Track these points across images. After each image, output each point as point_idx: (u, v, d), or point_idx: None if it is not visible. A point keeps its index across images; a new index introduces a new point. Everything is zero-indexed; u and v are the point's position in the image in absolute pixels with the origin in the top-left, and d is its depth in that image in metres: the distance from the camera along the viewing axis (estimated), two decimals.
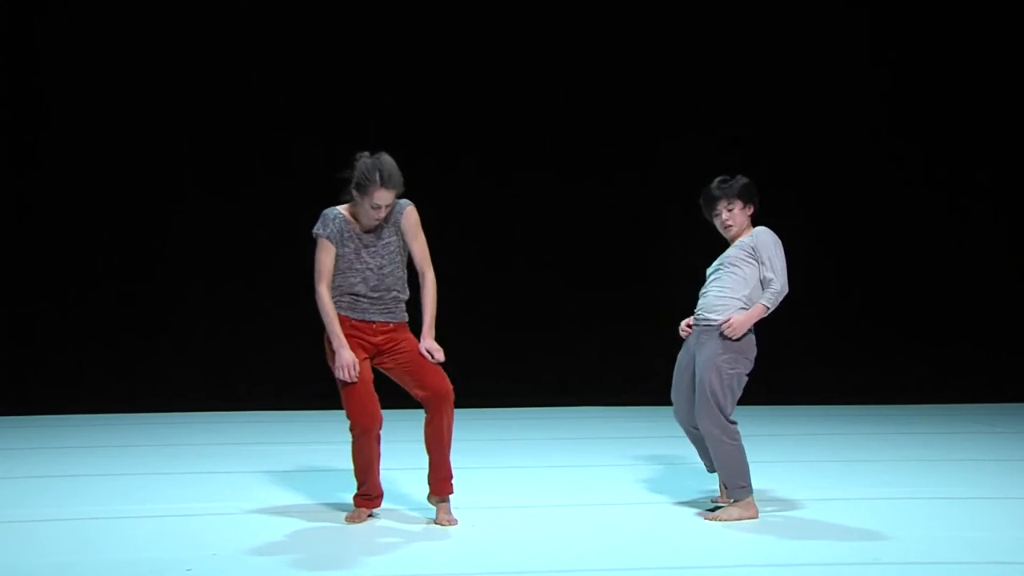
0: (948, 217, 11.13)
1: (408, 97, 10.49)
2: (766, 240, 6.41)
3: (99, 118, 10.22)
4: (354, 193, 6.01)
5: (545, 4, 10.66)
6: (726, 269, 6.37)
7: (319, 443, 8.47)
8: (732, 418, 6.28)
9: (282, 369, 10.29)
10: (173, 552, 5.59)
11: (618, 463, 7.79)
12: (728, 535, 6.01)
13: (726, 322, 6.24)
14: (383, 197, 5.94)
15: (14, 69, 10.18)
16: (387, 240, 6.09)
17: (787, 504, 6.66)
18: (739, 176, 6.48)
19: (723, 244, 6.48)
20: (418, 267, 6.16)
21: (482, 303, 10.55)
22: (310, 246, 10.25)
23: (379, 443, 6.19)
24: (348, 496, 6.38)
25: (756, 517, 6.25)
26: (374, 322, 6.13)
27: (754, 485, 6.42)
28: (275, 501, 6.65)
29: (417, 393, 6.16)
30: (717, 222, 6.45)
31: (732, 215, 6.41)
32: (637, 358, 10.33)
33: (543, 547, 5.78)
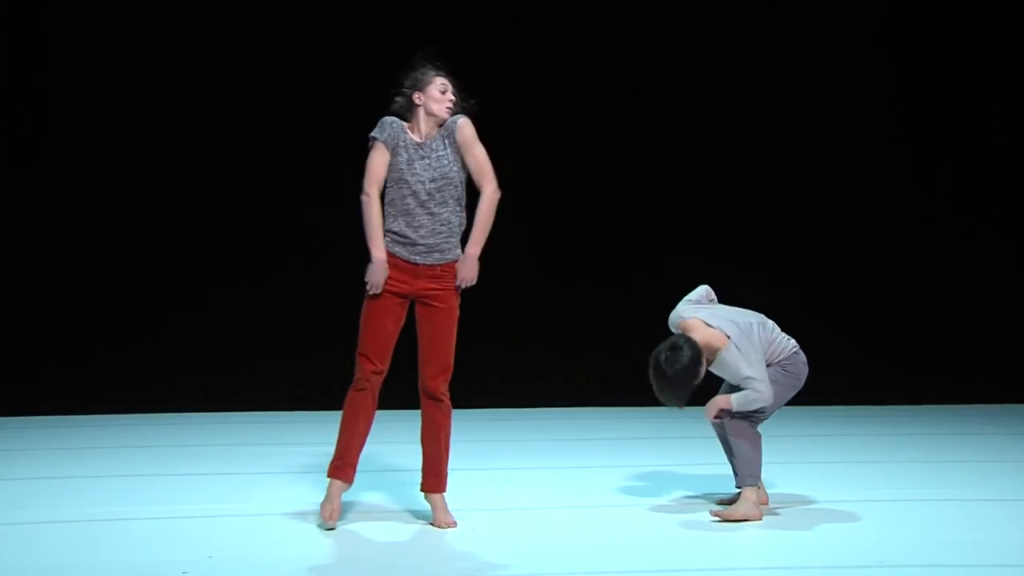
0: (951, 218, 11.09)
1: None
2: (730, 368, 6.29)
3: (98, 116, 10.19)
4: (414, 96, 5.93)
5: (545, 4, 10.63)
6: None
7: (317, 444, 8.41)
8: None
9: (281, 370, 10.27)
10: (169, 554, 5.57)
11: (619, 464, 7.77)
12: (731, 537, 6.00)
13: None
14: (445, 82, 5.92)
15: (12, 69, 10.17)
16: (440, 153, 5.94)
17: (789, 506, 6.64)
18: (671, 363, 6.19)
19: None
20: (476, 181, 5.99)
21: (483, 303, 10.52)
22: (315, 242, 10.31)
23: (375, 405, 6.03)
24: (346, 498, 6.36)
25: (760, 518, 6.23)
26: (419, 264, 5.98)
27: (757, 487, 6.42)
28: (272, 503, 6.63)
29: (420, 369, 6.04)
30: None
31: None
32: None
33: (543, 549, 5.76)
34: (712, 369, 6.26)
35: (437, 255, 5.99)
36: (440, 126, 6.01)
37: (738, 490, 6.33)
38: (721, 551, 5.77)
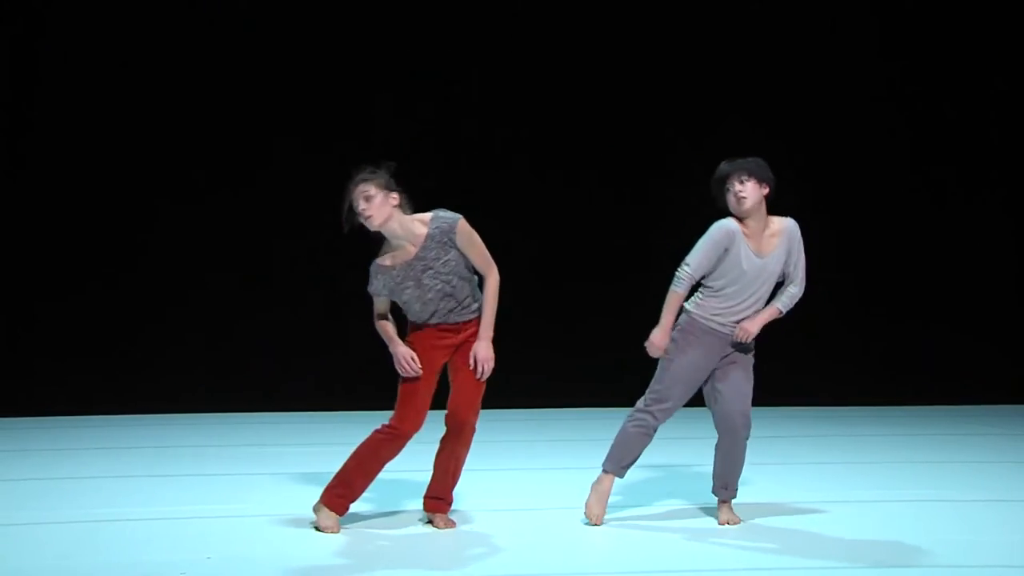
0: (951, 218, 11.09)
1: (402, 98, 10.46)
2: (799, 237, 6.28)
3: (100, 116, 10.20)
4: (356, 222, 5.83)
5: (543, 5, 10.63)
6: (769, 283, 6.19)
7: (316, 445, 8.45)
8: None
9: (280, 370, 10.27)
10: (168, 555, 5.57)
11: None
12: (730, 537, 5.99)
13: (741, 330, 6.13)
14: (359, 192, 5.80)
15: (11, 72, 10.18)
16: (444, 259, 5.88)
17: (787, 507, 6.63)
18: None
19: None
20: (480, 273, 6.01)
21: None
22: (315, 243, 10.30)
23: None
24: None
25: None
26: (458, 322, 6.00)
27: (754, 487, 6.42)
28: (271, 504, 6.63)
29: (449, 401, 6.10)
30: (730, 198, 6.12)
31: (745, 187, 6.10)
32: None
33: (543, 549, 5.76)
34: (774, 248, 6.17)
35: (469, 313, 6.03)
36: (421, 227, 5.89)
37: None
38: (719, 552, 5.77)
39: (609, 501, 6.25)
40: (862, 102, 10.99)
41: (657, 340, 6.10)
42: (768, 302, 6.22)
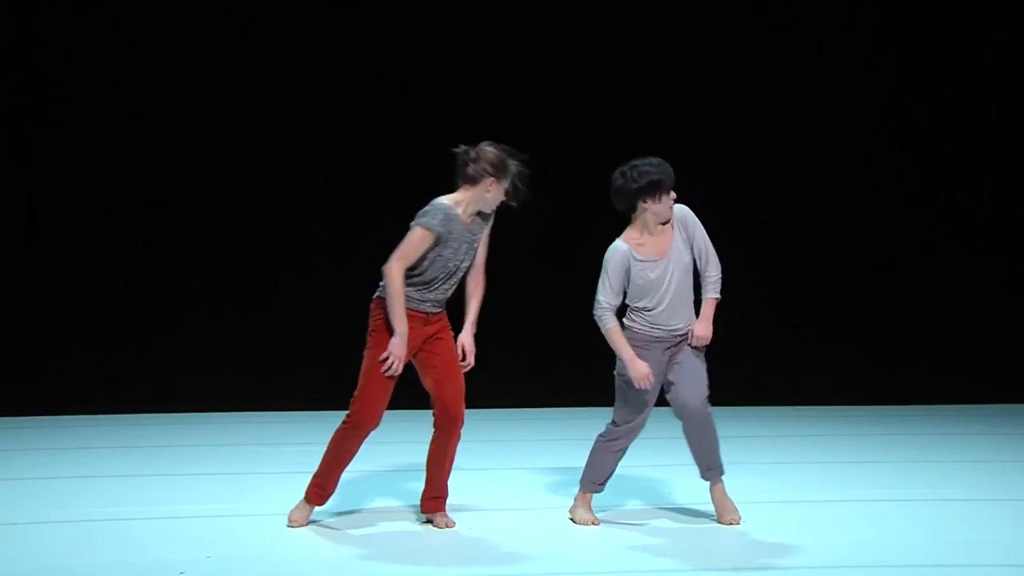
0: (949, 217, 11.08)
1: (396, 99, 10.46)
2: (694, 219, 6.22)
3: (103, 117, 10.19)
4: (487, 178, 5.94)
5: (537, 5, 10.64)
6: (687, 275, 6.18)
7: (315, 444, 8.38)
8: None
9: (279, 370, 10.27)
10: (167, 554, 5.57)
11: (619, 464, 7.76)
12: (728, 538, 5.99)
13: (695, 338, 6.15)
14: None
15: (12, 73, 10.18)
16: (479, 237, 6.07)
17: (786, 506, 6.63)
18: (640, 165, 6.16)
19: None
20: (477, 267, 6.11)
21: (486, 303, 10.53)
22: (315, 244, 10.30)
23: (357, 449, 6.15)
24: (344, 498, 6.37)
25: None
26: (430, 313, 6.05)
27: (754, 487, 6.41)
28: (269, 503, 6.62)
29: (433, 398, 6.09)
30: (662, 206, 6.11)
31: (673, 194, 6.18)
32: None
33: (542, 549, 5.76)
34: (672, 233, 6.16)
35: (440, 306, 6.10)
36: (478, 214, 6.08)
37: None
38: (719, 551, 5.77)
39: (608, 501, 6.26)
40: (860, 102, 10.99)
41: (637, 371, 6.10)
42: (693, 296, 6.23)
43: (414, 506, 6.37)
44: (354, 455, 6.14)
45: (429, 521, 6.16)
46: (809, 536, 5.96)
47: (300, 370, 10.19)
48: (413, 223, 5.92)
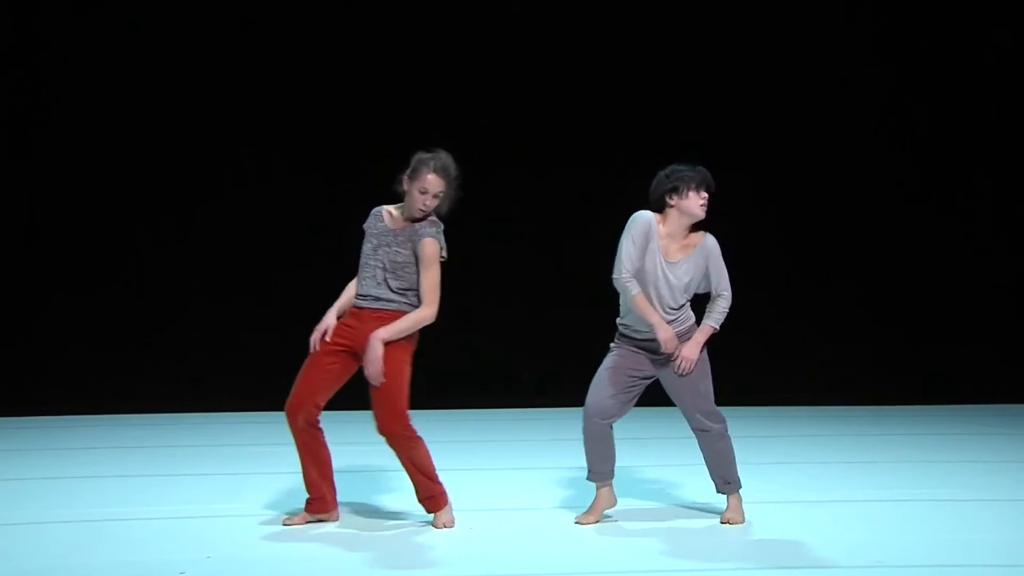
0: (948, 217, 11.10)
1: (395, 99, 10.47)
2: (717, 253, 6.21)
3: (104, 118, 10.21)
4: (405, 181, 6.02)
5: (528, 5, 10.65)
6: (679, 292, 6.14)
7: None
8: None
9: (280, 369, 10.25)
10: (167, 554, 5.57)
11: (619, 464, 7.76)
12: (729, 537, 5.99)
13: (680, 358, 6.10)
14: (432, 183, 5.97)
15: (12, 72, 10.19)
16: (399, 249, 6.05)
17: (786, 506, 6.64)
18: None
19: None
20: (421, 299, 6.06)
21: (487, 304, 10.54)
22: (315, 244, 10.29)
23: (314, 439, 6.12)
24: (345, 498, 6.37)
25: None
26: (359, 308, 6.12)
27: (754, 487, 6.40)
28: (270, 503, 6.63)
29: None
30: (691, 203, 6.13)
31: (707, 198, 6.20)
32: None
33: (541, 549, 5.76)
34: (689, 255, 6.16)
35: (371, 302, 6.14)
36: (413, 220, 6.08)
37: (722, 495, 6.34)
38: (719, 551, 5.77)
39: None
40: (860, 102, 11.00)
41: (665, 334, 6.09)
42: (683, 316, 6.19)
43: (415, 506, 6.37)
44: (310, 451, 6.14)
45: (432, 524, 6.18)
46: (809, 536, 5.96)
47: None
48: None
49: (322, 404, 6.11)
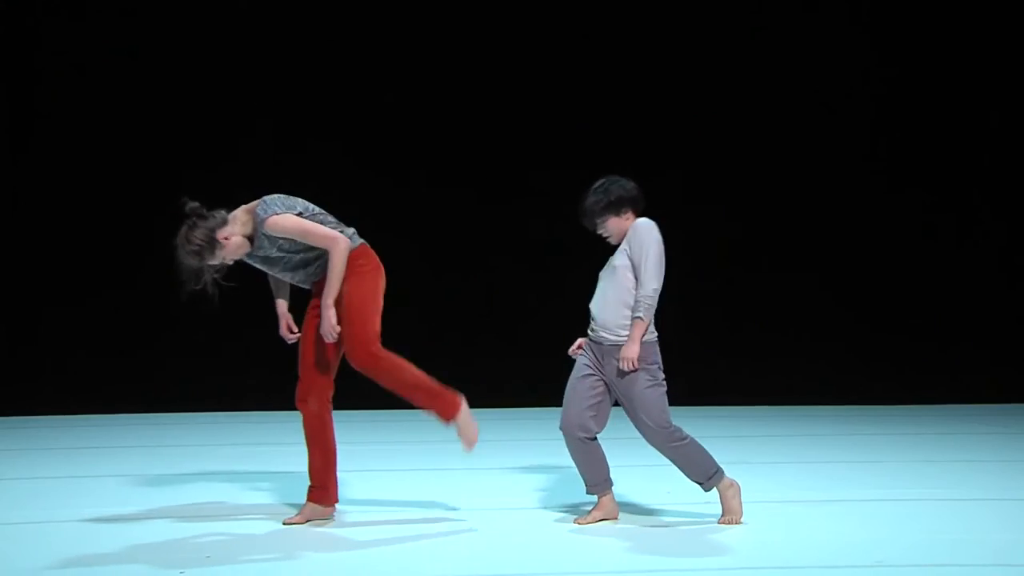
0: (946, 217, 11.11)
1: (395, 98, 10.48)
2: (641, 236, 6.07)
3: (106, 118, 10.22)
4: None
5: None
6: (610, 278, 6.13)
7: None
8: (669, 422, 6.14)
9: (280, 369, 10.26)
10: (167, 554, 5.57)
11: (619, 464, 7.76)
12: (729, 536, 5.99)
13: (621, 360, 6.02)
14: (208, 260, 6.42)
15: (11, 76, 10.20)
16: (266, 253, 6.24)
17: (787, 506, 6.64)
18: (613, 182, 6.17)
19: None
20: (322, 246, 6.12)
21: (487, 305, 10.55)
22: None
23: (323, 427, 6.15)
24: (344, 498, 6.37)
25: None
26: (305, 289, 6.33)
27: (754, 487, 6.40)
28: (270, 503, 6.64)
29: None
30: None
31: (607, 228, 6.15)
32: None
33: (542, 549, 5.76)
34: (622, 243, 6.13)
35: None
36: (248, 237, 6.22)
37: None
38: (718, 551, 5.77)
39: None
40: (849, 102, 11.02)
41: (628, 353, 6.07)
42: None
43: (415, 506, 6.38)
44: (319, 440, 6.19)
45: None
46: (809, 536, 5.96)
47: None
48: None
49: (331, 379, 6.16)
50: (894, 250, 11.03)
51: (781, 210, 10.87)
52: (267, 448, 8.48)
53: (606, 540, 5.93)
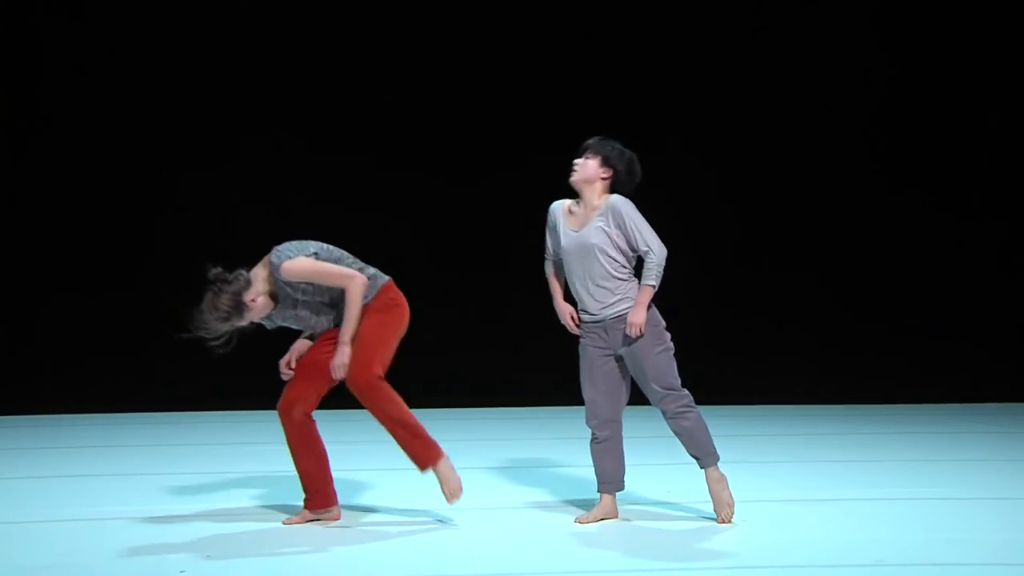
0: (945, 216, 11.11)
1: (394, 99, 10.48)
2: (624, 210, 6.07)
3: (106, 118, 10.23)
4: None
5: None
6: (587, 257, 6.10)
7: None
8: (679, 386, 6.17)
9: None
10: (167, 554, 5.57)
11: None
12: (727, 536, 5.99)
13: (628, 327, 6.03)
14: (239, 320, 6.44)
15: (10, 76, 10.21)
16: (301, 293, 6.20)
17: (786, 505, 6.64)
18: (627, 150, 6.19)
19: None
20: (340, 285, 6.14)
21: (485, 306, 10.55)
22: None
23: (310, 432, 6.23)
24: (344, 498, 6.38)
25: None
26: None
27: (753, 486, 6.40)
28: (270, 503, 6.64)
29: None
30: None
31: (584, 162, 6.13)
32: None
33: (541, 549, 5.76)
34: (591, 222, 6.11)
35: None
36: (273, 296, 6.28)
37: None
38: (719, 550, 5.77)
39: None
40: (849, 102, 11.02)
41: (635, 319, 6.09)
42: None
43: (415, 505, 6.38)
44: (304, 448, 6.27)
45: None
46: (808, 535, 5.96)
47: None
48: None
49: (321, 394, 6.20)
50: (894, 250, 11.03)
51: (781, 210, 10.88)
52: (267, 448, 8.47)
53: (606, 539, 5.94)
